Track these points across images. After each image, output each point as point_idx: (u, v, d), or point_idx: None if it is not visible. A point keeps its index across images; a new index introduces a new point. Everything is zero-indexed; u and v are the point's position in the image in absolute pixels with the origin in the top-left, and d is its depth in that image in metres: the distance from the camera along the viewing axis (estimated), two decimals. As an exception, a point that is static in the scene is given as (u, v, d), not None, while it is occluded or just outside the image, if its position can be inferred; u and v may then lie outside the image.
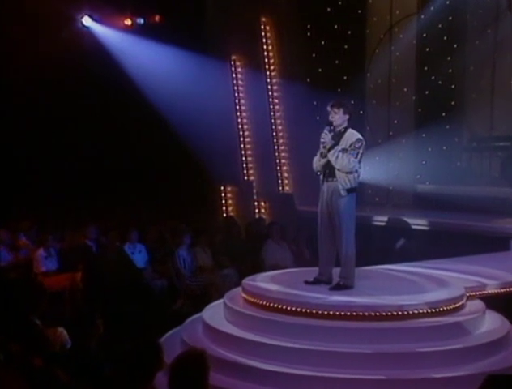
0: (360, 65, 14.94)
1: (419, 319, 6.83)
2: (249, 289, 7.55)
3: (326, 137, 7.34)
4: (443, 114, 14.00)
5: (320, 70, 14.77)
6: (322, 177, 7.48)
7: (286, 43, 15.14)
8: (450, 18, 13.95)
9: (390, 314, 6.79)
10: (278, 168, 15.35)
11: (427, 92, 14.19)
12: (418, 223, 12.03)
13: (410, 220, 12.10)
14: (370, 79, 15.02)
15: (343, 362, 6.38)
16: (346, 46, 14.80)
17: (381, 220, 12.66)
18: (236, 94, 15.75)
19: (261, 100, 15.33)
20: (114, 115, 14.84)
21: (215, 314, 7.60)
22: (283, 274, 8.63)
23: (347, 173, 7.26)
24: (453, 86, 14.29)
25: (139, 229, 12.16)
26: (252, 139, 15.83)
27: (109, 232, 12.15)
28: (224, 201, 16.22)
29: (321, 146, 7.38)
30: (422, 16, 14.15)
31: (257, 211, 15.54)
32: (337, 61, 14.77)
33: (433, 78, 14.04)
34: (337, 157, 7.24)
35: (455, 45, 14.03)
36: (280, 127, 15.38)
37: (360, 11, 14.95)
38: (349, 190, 7.29)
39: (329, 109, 7.40)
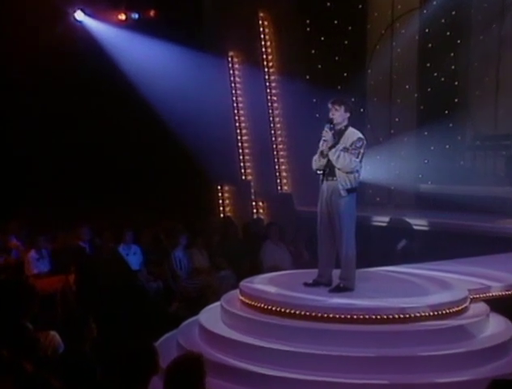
0: (360, 61, 14.95)
1: (421, 322, 6.82)
2: (246, 291, 7.54)
3: (327, 134, 7.32)
4: (446, 112, 14.01)
5: (319, 66, 14.81)
6: (321, 176, 7.48)
7: (285, 39, 15.15)
8: (454, 12, 13.95)
9: (391, 317, 6.78)
10: (276, 167, 15.36)
11: (429, 89, 14.21)
12: (420, 223, 12.04)
13: (412, 221, 12.11)
14: (371, 75, 15.03)
15: (342, 366, 6.37)
16: (346, 42, 14.82)
17: (382, 220, 12.67)
18: (234, 91, 15.76)
19: (259, 98, 15.34)
20: (108, 113, 14.81)
21: (211, 316, 7.59)
22: (282, 276, 8.62)
23: (347, 172, 7.26)
24: (456, 83, 14.31)
25: (134, 230, 12.15)
26: (250, 138, 15.84)
27: (103, 233, 12.15)
28: (221, 201, 16.23)
29: (320, 144, 7.36)
30: (424, 11, 14.16)
31: (255, 211, 15.55)
32: (337, 58, 14.80)
33: (435, 74, 14.07)
34: (338, 156, 7.23)
35: (459, 41, 14.05)
36: (279, 125, 15.40)
37: (360, 6, 14.96)
38: (349, 190, 7.29)
39: (330, 105, 7.39)
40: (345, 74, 14.48)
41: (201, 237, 11.99)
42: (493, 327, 7.25)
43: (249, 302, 7.35)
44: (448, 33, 14.07)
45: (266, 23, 15.34)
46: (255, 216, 15.20)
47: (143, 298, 10.71)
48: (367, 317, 6.76)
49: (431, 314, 6.90)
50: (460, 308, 7.17)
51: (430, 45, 14.26)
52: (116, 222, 13.07)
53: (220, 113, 15.27)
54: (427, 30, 14.21)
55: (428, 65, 14.24)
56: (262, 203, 15.58)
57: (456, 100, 14.28)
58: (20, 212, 12.96)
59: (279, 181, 15.40)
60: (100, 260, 11.19)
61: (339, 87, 13.85)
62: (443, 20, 13.99)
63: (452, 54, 14.02)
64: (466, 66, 14.19)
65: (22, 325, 6.08)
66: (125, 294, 10.09)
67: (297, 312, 6.89)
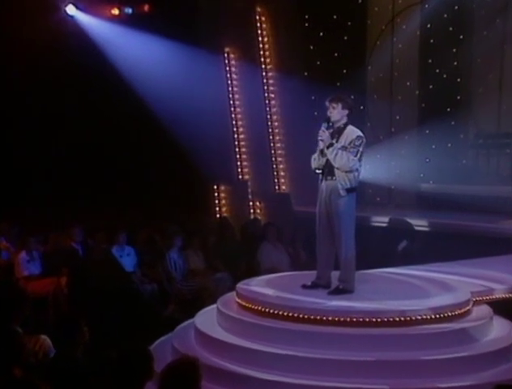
0: (360, 57, 14.94)
1: (422, 326, 6.83)
2: (243, 294, 7.55)
3: (323, 134, 7.33)
4: (448, 109, 14.03)
5: (318, 62, 14.81)
6: (320, 175, 7.48)
7: (282, 34, 15.15)
8: (456, 7, 13.97)
9: (391, 319, 6.78)
10: (274, 166, 15.36)
11: (431, 86, 14.21)
12: (421, 224, 12.05)
13: (413, 221, 12.12)
14: (371, 72, 15.02)
15: (341, 371, 6.38)
16: (346, 38, 14.80)
17: (382, 220, 12.68)
18: (230, 88, 15.74)
19: (256, 95, 15.34)
20: (100, 111, 14.80)
21: (207, 319, 7.59)
22: (280, 278, 8.63)
23: (346, 172, 7.26)
24: (458, 79, 14.32)
25: (128, 231, 12.14)
26: (247, 136, 15.83)
27: (96, 234, 12.13)
28: (217, 201, 16.21)
29: (319, 143, 7.38)
30: (426, 6, 14.15)
31: (252, 211, 15.54)
32: (336, 54, 14.79)
33: (437, 71, 14.08)
34: (336, 155, 7.23)
35: (461, 36, 14.06)
36: (276, 123, 15.39)
37: (360, 1, 14.94)
38: (349, 190, 7.29)
39: (327, 103, 7.41)
40: (344, 71, 14.46)
41: (196, 238, 11.98)
42: (497, 330, 7.25)
43: (246, 305, 7.35)
44: (450, 29, 14.08)
45: (263, 18, 15.34)
46: (252, 217, 15.19)
47: (137, 301, 10.71)
48: (367, 320, 6.76)
49: (432, 316, 6.91)
50: (462, 311, 7.17)
51: (432, 41, 14.26)
52: (109, 223, 13.06)
53: (216, 110, 15.25)
54: (429, 25, 14.20)
55: (430, 61, 14.25)
56: (260, 203, 15.57)
57: (458, 98, 14.28)
58: (10, 212, 12.94)
59: (276, 180, 15.39)
60: (92, 262, 11.19)
61: (339, 84, 13.83)
62: (445, 15, 13.99)
63: (454, 50, 14.01)
64: (468, 63, 14.19)
65: (11, 329, 6.07)
66: (118, 297, 10.09)
67: (295, 315, 6.90)
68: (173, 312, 10.67)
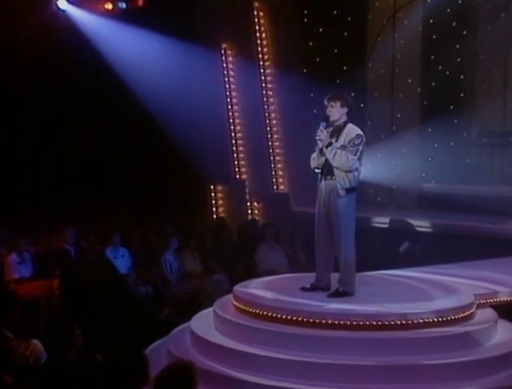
0: (360, 54, 14.95)
1: (424, 329, 6.83)
2: (241, 296, 7.55)
3: (321, 134, 7.34)
4: (451, 107, 14.05)
5: (318, 59, 14.82)
6: (319, 175, 7.48)
7: (281, 30, 15.15)
8: (460, 1, 14.00)
9: (393, 323, 6.78)
10: (272, 165, 15.37)
11: (433, 83, 14.22)
12: (423, 225, 12.07)
13: (414, 222, 12.14)
14: (372, 69, 15.03)
15: (342, 376, 6.38)
16: (346, 34, 14.82)
17: (383, 221, 12.69)
18: (227, 86, 15.75)
19: (254, 93, 15.34)
20: (93, 110, 14.81)
21: (204, 323, 7.59)
22: (278, 280, 8.63)
23: (346, 171, 7.26)
24: (462, 76, 14.34)
25: (122, 232, 12.15)
26: (244, 135, 15.84)
27: (89, 235, 12.13)
28: (213, 201, 16.22)
29: (318, 142, 7.39)
30: (428, 0, 14.17)
31: (249, 212, 15.55)
32: (336, 50, 14.81)
33: (440, 67, 14.09)
34: (335, 154, 7.24)
35: (465, 32, 14.06)
36: (275, 121, 15.40)
37: (360, -4, 14.98)
38: (348, 190, 7.29)
39: (326, 102, 7.41)
40: (345, 68, 14.48)
41: (193, 239, 12.00)
42: (501, 334, 7.24)
43: (244, 308, 7.35)
44: (454, 24, 14.09)
45: (261, 13, 15.34)
46: (250, 217, 15.20)
47: (132, 304, 10.70)
48: (367, 323, 6.76)
49: (435, 320, 6.91)
50: (466, 314, 7.17)
51: (435, 37, 14.28)
52: (103, 223, 13.07)
53: (213, 108, 15.26)
54: (431, 20, 14.23)
55: (433, 57, 14.27)
56: (257, 203, 15.58)
57: (462, 95, 14.31)
58: (0, 213, 12.94)
59: (274, 180, 15.40)
60: (85, 264, 11.18)
61: (338, 82, 13.86)
62: (448, 10, 14.01)
63: (458, 46, 14.03)
64: (472, 59, 14.21)
65: (1, 333, 6.07)
66: (112, 300, 10.08)
67: (294, 318, 6.89)
68: (169, 315, 10.66)
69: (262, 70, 15.33)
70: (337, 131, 7.40)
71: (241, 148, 15.87)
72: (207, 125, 14.74)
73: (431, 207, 13.31)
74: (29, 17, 13.93)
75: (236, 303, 7.55)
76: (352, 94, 10.71)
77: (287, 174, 15.37)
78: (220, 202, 16.24)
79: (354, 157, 7.24)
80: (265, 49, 15.32)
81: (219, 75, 15.67)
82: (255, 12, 15.30)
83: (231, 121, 15.78)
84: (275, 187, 15.42)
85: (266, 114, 15.33)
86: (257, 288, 7.82)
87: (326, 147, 7.30)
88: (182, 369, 4.84)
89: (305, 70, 14.78)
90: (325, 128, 7.38)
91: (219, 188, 16.28)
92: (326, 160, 7.34)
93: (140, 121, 14.68)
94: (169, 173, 15.25)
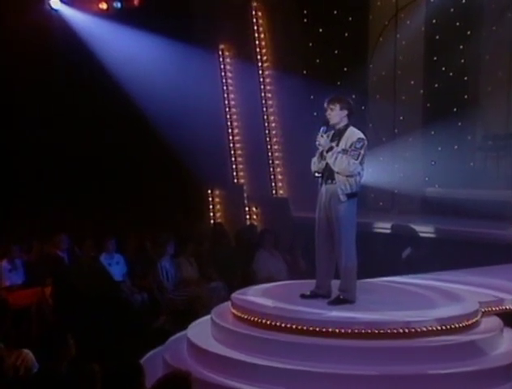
0: (362, 55, 14.96)
1: (428, 338, 6.82)
2: (239, 304, 7.54)
3: (321, 139, 7.34)
4: (455, 109, 14.05)
5: (318, 60, 14.85)
6: (320, 179, 7.48)
7: (280, 30, 15.16)
8: (463, 1, 13.99)
9: (395, 331, 6.78)
10: (271, 169, 15.38)
11: (437, 85, 14.23)
12: (426, 230, 12.07)
13: (417, 227, 12.14)
14: (373, 70, 15.04)
15: (343, 385, 6.37)
16: (346, 34, 14.84)
17: (385, 227, 12.69)
18: (225, 87, 15.77)
19: (252, 95, 15.36)
20: (87, 112, 14.80)
21: (201, 331, 7.58)
22: (277, 287, 8.62)
23: (347, 176, 7.26)
24: (466, 78, 14.33)
25: (117, 238, 12.14)
26: (242, 138, 15.85)
27: (83, 242, 12.11)
28: (211, 206, 16.23)
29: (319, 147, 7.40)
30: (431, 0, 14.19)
31: (248, 217, 15.56)
32: (336, 51, 14.83)
33: (443, 69, 14.11)
34: (335, 159, 7.24)
35: (469, 32, 14.06)
36: (274, 124, 15.41)
37: (362, -5, 15.00)
38: (349, 195, 7.29)
39: (325, 105, 7.41)
40: (345, 69, 14.48)
41: (190, 245, 11.97)
42: (507, 343, 7.24)
43: (242, 316, 7.34)
44: (457, 24, 14.09)
45: (259, 13, 15.36)
46: (248, 223, 15.20)
47: (127, 312, 10.70)
48: (369, 331, 6.75)
49: (439, 328, 6.90)
50: (470, 322, 7.16)
51: (438, 37, 14.28)
52: (97, 229, 13.06)
53: (210, 111, 15.27)
54: (434, 20, 14.22)
55: (436, 58, 14.27)
56: (256, 208, 15.58)
57: (466, 97, 14.30)
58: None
59: (273, 184, 15.41)
60: (79, 271, 11.18)
61: (339, 83, 13.86)
62: (452, 10, 14.01)
63: (461, 47, 14.02)
64: (476, 60, 14.21)
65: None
66: (107, 308, 10.08)
67: (294, 326, 6.89)
68: (165, 323, 10.67)
69: (260, 72, 15.34)
70: (338, 135, 7.39)
71: (239, 152, 15.88)
72: (205, 127, 14.74)
73: (434, 212, 13.31)
74: (20, 16, 13.91)
75: (234, 311, 7.54)
76: (353, 96, 10.70)
77: (286, 178, 15.37)
78: (218, 207, 16.24)
79: (355, 161, 7.23)
80: (263, 50, 15.34)
81: (216, 77, 15.69)
82: (253, 12, 15.33)
83: (229, 123, 15.79)
84: (273, 192, 15.42)
85: (265, 117, 15.34)
86: (255, 296, 7.81)
87: (327, 152, 7.30)
88: (179, 379, 4.83)
89: (304, 72, 14.79)
90: (325, 132, 7.38)
91: (217, 192, 16.28)
92: (327, 164, 7.34)
93: (136, 124, 14.67)
94: (166, 177, 15.23)
